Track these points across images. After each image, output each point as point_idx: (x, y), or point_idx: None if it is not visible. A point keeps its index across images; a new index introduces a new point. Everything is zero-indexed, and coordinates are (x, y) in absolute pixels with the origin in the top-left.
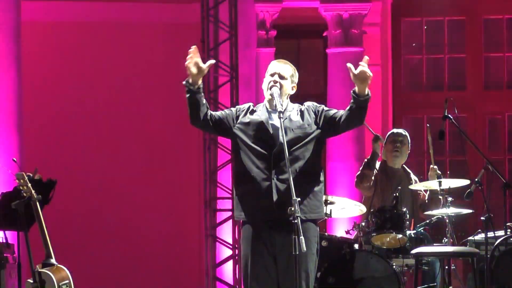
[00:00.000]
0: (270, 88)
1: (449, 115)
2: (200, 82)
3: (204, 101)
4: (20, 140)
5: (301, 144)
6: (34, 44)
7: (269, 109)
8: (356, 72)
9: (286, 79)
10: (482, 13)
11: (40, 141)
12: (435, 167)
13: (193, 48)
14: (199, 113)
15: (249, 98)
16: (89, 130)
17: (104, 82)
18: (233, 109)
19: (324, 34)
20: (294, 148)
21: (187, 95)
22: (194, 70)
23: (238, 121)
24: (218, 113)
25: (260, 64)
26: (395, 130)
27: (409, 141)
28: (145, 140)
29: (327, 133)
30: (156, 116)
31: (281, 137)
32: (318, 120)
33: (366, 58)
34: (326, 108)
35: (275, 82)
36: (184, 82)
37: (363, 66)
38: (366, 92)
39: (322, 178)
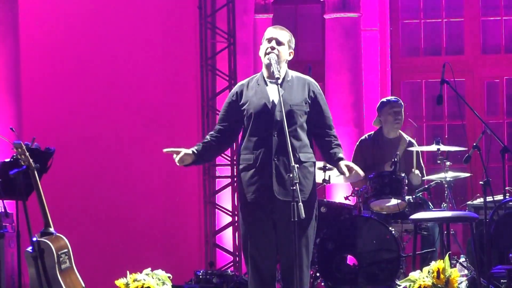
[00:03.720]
0: (268, 54)
1: (447, 80)
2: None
3: (202, 148)
4: (18, 109)
5: (297, 123)
6: (32, 11)
7: (267, 78)
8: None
9: (284, 44)
10: None
11: (38, 110)
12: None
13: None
14: (211, 156)
15: (247, 64)
16: (88, 99)
17: (101, 51)
18: (231, 98)
19: None
20: (291, 127)
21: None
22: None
23: (238, 106)
24: (221, 121)
25: (258, 31)
26: (392, 100)
27: (402, 105)
28: (143, 109)
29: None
30: (153, 83)
31: (278, 113)
32: (312, 104)
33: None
34: (323, 104)
35: (273, 48)
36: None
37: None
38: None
39: (314, 157)
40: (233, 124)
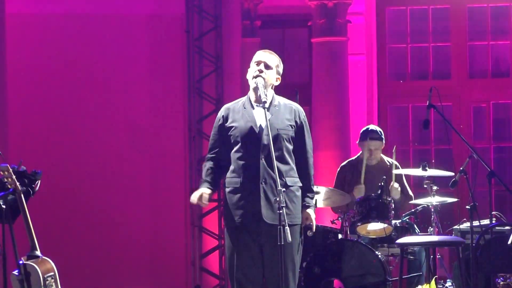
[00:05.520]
0: (255, 78)
1: (434, 104)
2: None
3: (215, 181)
4: (4, 132)
5: (283, 147)
6: (18, 36)
7: (253, 102)
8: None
9: (272, 69)
10: (466, 1)
11: (25, 132)
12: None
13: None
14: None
15: (234, 88)
16: (75, 122)
17: (89, 74)
18: (218, 123)
19: (309, 23)
20: (278, 152)
21: None
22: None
23: (226, 128)
24: (214, 147)
25: (245, 54)
26: (371, 136)
27: (383, 138)
28: (130, 131)
29: None
30: (141, 107)
31: (265, 137)
32: (296, 130)
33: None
34: (306, 132)
35: (260, 71)
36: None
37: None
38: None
39: (300, 182)
40: (227, 147)
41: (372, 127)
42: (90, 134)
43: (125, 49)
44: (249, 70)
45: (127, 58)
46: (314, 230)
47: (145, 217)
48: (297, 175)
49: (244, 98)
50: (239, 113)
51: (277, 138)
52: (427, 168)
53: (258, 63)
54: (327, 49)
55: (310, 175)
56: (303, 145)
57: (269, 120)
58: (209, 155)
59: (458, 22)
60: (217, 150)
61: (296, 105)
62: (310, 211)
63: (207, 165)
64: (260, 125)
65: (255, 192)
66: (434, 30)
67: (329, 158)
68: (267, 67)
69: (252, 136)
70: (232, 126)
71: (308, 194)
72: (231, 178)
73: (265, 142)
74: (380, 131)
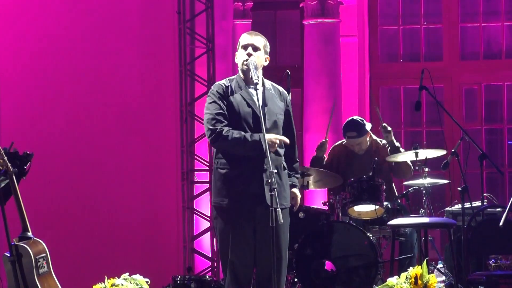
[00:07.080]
0: (246, 60)
1: (426, 86)
2: None
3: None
4: None
5: (280, 132)
6: (8, 14)
7: (245, 83)
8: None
9: (260, 50)
10: None
11: (16, 114)
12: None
13: None
14: None
15: (226, 70)
16: (65, 102)
17: (78, 55)
18: (218, 96)
19: (301, 5)
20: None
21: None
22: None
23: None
24: (222, 117)
25: (237, 36)
26: (347, 132)
27: (363, 130)
28: (121, 112)
29: None
30: (132, 88)
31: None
32: (284, 113)
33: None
34: (291, 117)
35: (249, 55)
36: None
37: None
38: None
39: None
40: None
41: (350, 121)
42: (81, 116)
43: (115, 30)
44: (237, 54)
45: (117, 39)
46: (297, 207)
47: (136, 199)
48: (282, 157)
49: (234, 79)
50: (237, 94)
51: (275, 123)
52: (418, 148)
53: (246, 47)
54: (319, 30)
55: (296, 157)
56: (291, 129)
57: (267, 105)
58: (220, 122)
59: (449, 3)
60: (226, 123)
61: (282, 89)
62: (296, 190)
63: (223, 125)
64: (259, 108)
65: (254, 175)
66: (426, 12)
67: (320, 140)
68: (255, 49)
69: (252, 119)
70: (230, 107)
71: (295, 175)
72: (226, 160)
73: (267, 126)
74: (357, 125)
